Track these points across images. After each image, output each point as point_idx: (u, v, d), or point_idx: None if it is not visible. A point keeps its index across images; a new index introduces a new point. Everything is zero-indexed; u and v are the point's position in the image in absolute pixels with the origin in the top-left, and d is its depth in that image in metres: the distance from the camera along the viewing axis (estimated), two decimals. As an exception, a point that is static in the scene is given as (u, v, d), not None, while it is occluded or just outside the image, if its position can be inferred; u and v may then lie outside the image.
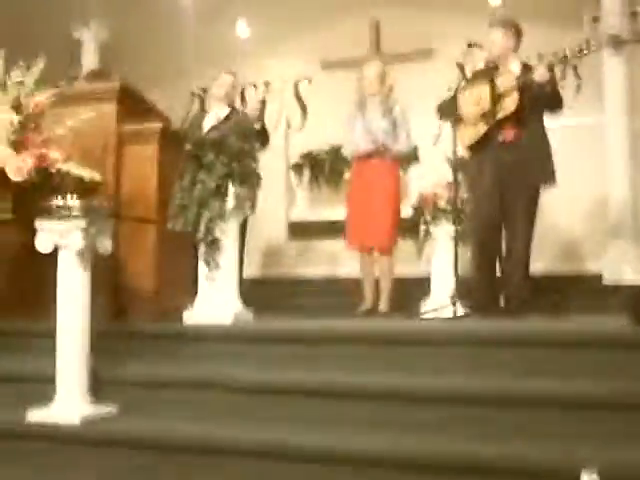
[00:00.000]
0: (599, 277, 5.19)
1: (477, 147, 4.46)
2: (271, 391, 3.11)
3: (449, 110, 4.53)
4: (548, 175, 4.31)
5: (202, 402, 3.12)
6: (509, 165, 4.30)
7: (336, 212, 6.24)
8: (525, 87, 4.28)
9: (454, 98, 4.49)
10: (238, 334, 3.61)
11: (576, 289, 4.79)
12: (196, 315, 3.80)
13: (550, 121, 4.44)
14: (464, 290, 4.35)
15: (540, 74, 4.23)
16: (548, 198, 4.54)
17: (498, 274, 4.49)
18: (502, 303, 4.41)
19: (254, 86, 7.63)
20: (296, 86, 7.65)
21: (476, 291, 4.47)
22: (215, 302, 3.82)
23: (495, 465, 2.54)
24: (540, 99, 4.29)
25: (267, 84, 7.54)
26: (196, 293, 3.87)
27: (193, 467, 2.76)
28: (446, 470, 2.55)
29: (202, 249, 3.82)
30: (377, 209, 4.87)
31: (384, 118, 4.95)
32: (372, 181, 4.92)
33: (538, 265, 4.74)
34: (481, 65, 4.67)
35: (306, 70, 7.57)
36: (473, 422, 2.81)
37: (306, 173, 7.50)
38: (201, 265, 3.85)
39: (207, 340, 3.54)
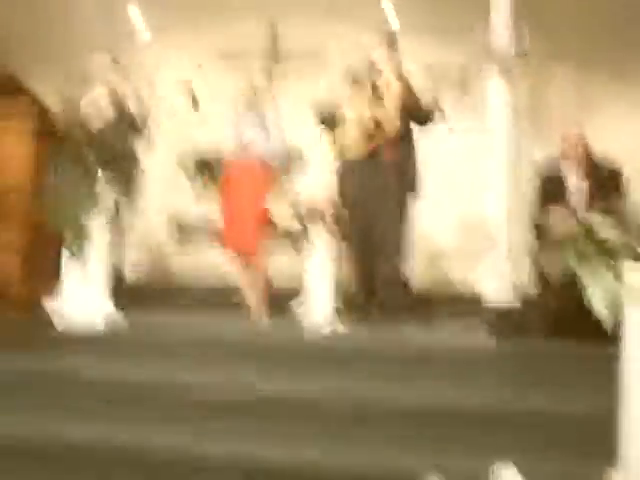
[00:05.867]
0: (470, 294, 5.34)
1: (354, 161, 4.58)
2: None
3: (332, 122, 4.65)
4: (412, 186, 4.67)
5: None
6: (384, 177, 4.42)
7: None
8: (405, 108, 4.48)
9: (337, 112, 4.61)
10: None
11: (448, 305, 4.96)
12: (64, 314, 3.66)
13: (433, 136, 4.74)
14: (346, 304, 4.43)
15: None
16: (422, 212, 4.72)
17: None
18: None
19: (145, 84, 7.36)
20: (188, 83, 7.47)
21: (357, 302, 4.58)
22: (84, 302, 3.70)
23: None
24: (416, 119, 4.48)
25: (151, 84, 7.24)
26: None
27: None
28: None
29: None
30: (245, 215, 4.84)
31: (256, 121, 4.95)
32: (241, 185, 4.88)
33: (413, 277, 4.89)
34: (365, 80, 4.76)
35: (202, 66, 7.41)
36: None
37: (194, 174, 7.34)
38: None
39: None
